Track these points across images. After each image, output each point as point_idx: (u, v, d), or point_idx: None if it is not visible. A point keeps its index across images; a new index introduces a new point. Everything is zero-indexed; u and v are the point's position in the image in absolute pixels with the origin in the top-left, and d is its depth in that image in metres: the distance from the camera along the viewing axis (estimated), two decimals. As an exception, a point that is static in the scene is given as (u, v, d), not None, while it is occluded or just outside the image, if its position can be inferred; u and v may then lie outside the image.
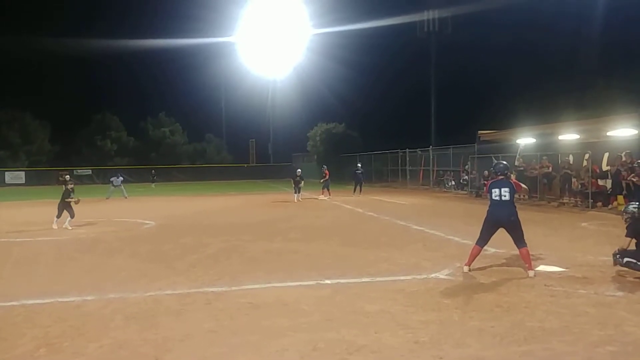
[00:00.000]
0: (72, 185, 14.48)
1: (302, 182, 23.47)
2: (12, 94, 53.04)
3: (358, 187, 25.68)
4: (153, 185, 40.80)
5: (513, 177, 9.19)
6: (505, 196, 7.48)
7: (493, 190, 7.61)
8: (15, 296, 6.64)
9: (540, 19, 42.47)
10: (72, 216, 13.93)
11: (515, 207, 7.64)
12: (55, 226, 13.83)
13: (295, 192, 23.01)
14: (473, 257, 7.69)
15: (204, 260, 9.05)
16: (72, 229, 13.49)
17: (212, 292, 6.76)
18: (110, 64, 66.25)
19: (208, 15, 64.83)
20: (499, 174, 7.85)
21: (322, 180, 24.64)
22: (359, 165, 27.42)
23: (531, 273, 7.32)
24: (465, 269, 7.65)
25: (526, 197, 18.22)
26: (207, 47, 58.27)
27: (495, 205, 7.57)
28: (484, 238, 7.66)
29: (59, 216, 13.96)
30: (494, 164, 8.20)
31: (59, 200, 14.14)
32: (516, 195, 7.83)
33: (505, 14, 43.70)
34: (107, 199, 25.55)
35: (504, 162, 8.24)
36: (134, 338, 5.06)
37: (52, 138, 55.51)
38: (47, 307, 6.19)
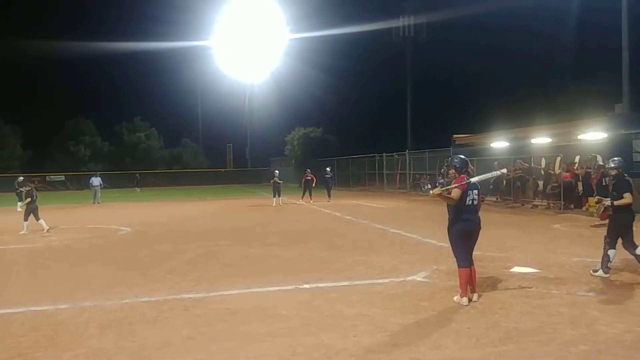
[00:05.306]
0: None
1: (281, 183, 22.98)
2: (-18, 98, 51.88)
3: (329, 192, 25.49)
4: (138, 189, 40.26)
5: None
6: (475, 200, 6.24)
7: (469, 193, 6.17)
8: (-14, 306, 6.48)
9: (515, 24, 43.35)
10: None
11: None
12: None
13: (275, 196, 22.59)
14: (466, 282, 6.16)
15: (181, 267, 8.96)
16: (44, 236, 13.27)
17: (190, 298, 6.71)
18: (84, 68, 65.43)
19: (184, 18, 64.51)
20: (463, 170, 6.27)
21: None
22: (328, 169, 26.97)
23: (456, 299, 6.15)
24: (464, 301, 6.07)
25: (500, 199, 18.60)
26: (183, 50, 58.02)
27: (470, 212, 6.20)
28: (467, 258, 6.24)
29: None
30: (454, 159, 6.38)
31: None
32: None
33: (481, 19, 44.49)
34: (98, 204, 25.21)
35: (462, 156, 6.53)
36: (110, 347, 4.98)
37: (23, 143, 54.30)
38: (20, 316, 6.06)
